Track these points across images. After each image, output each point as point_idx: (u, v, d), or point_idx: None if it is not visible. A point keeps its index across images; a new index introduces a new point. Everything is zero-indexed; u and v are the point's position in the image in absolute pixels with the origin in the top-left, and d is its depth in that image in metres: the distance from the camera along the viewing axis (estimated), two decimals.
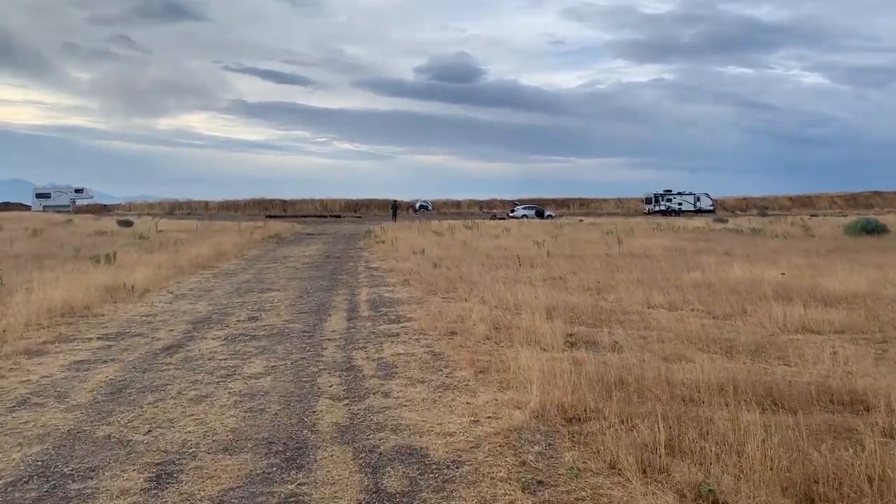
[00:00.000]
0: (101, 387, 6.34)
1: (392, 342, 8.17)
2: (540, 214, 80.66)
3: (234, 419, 5.43)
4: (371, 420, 5.38)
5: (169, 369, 6.99)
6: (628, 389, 5.94)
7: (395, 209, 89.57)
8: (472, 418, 5.42)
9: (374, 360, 7.33)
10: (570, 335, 8.09)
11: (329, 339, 8.37)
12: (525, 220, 73.78)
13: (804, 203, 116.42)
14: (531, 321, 8.73)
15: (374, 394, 6.10)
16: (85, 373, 6.84)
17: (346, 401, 5.91)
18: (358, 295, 12.12)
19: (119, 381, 6.56)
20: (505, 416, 5.42)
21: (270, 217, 78.05)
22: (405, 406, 5.75)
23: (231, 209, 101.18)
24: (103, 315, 10.03)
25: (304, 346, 8.05)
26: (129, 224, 40.40)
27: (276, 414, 5.56)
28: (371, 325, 9.23)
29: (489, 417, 5.45)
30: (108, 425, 5.29)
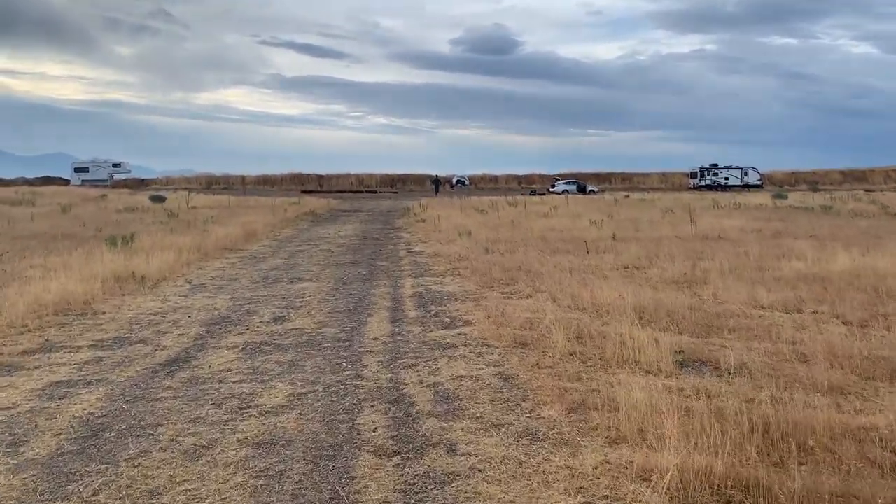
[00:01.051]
0: (72, 427, 4.78)
1: (449, 358, 6.46)
2: (582, 189, 78.12)
3: (240, 493, 3.80)
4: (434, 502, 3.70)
5: (167, 398, 5.40)
6: (798, 447, 4.15)
7: (437, 183, 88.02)
8: (582, 501, 3.70)
9: (428, 385, 5.65)
10: (680, 351, 6.29)
11: (370, 352, 6.71)
12: (567, 195, 71.61)
13: (857, 178, 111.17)
14: (621, 328, 6.97)
15: (434, 446, 4.42)
16: (58, 403, 5.29)
17: (397, 459, 4.24)
18: (401, 287, 10.44)
19: (99, 417, 4.99)
20: (630, 499, 3.69)
21: (306, 192, 76.97)
22: (479, 472, 4.05)
23: (267, 184, 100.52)
24: (104, 313, 8.51)
25: (339, 361, 6.40)
26: (161, 200, 39.39)
27: (299, 484, 3.91)
28: (420, 331, 7.54)
29: (607, 499, 3.72)
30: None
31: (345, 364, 6.29)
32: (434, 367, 6.17)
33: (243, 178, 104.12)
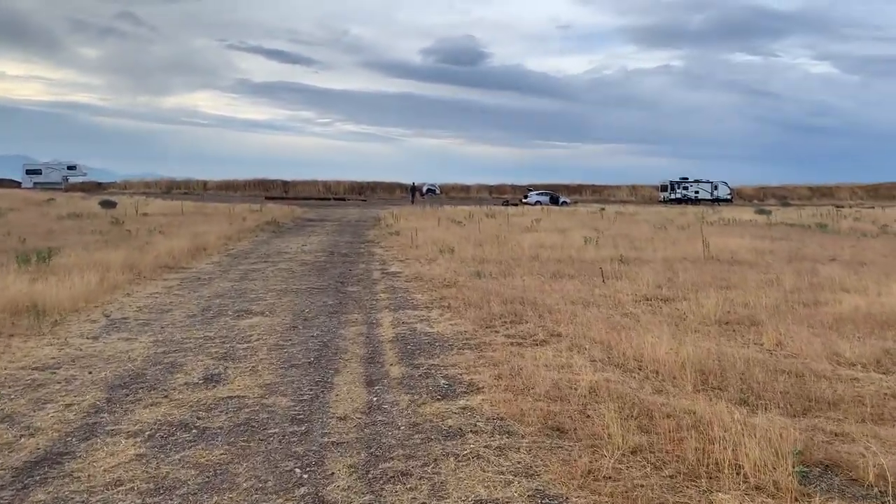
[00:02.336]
0: None
1: (456, 458, 4.34)
2: (555, 201, 76.74)
3: None
4: None
5: None
6: None
7: (413, 192, 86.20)
8: None
9: None
10: (798, 452, 4.25)
11: (337, 445, 4.55)
12: (540, 206, 70.00)
13: (823, 193, 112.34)
14: (687, 401, 4.96)
15: None
16: None
17: None
18: (378, 325, 8.27)
19: None
20: None
21: (270, 199, 74.12)
22: None
23: (230, 189, 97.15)
24: None
25: (289, 465, 4.23)
26: (111, 205, 36.57)
27: None
28: (408, 402, 5.39)
29: None
30: None
31: (298, 472, 4.12)
32: (436, 479, 4.03)
33: (205, 182, 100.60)
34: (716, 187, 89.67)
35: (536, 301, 9.20)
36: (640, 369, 6.14)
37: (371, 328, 8.09)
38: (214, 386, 5.79)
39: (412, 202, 68.42)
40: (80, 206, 38.57)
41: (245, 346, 7.17)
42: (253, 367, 6.36)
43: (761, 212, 39.51)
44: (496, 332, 7.71)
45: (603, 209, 53.28)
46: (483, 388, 5.69)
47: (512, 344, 7.14)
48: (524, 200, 77.13)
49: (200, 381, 5.90)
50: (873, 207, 71.23)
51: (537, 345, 7.08)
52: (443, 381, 5.89)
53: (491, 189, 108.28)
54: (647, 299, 9.66)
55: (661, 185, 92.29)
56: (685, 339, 7.06)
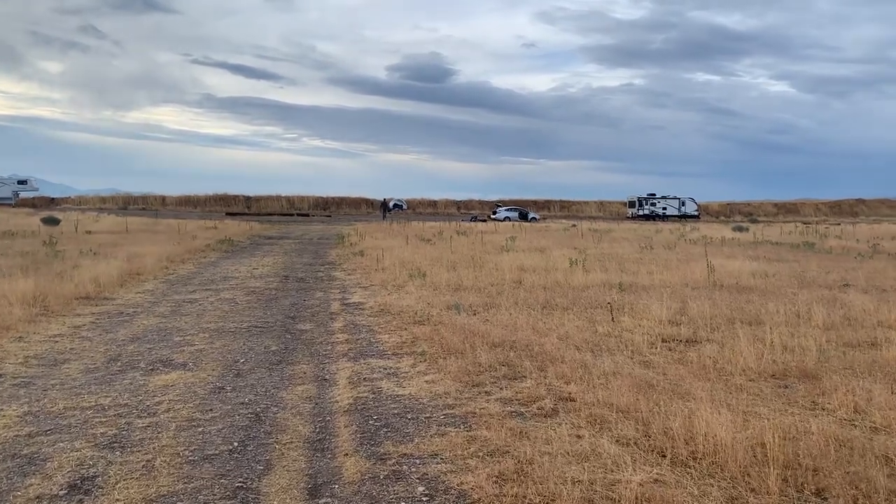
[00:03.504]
0: None
1: None
2: (524, 216, 75.53)
3: None
4: None
5: None
6: None
7: (385, 208, 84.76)
8: None
9: None
10: None
11: None
12: (509, 221, 68.61)
13: (789, 210, 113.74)
14: None
15: None
16: None
17: None
18: (332, 385, 6.38)
19: None
20: None
21: (231, 214, 71.49)
22: None
23: (190, 205, 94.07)
24: None
25: None
26: (54, 222, 33.97)
27: None
28: None
29: None
30: None
31: None
32: None
33: (164, 198, 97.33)
34: (683, 203, 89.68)
35: (532, 345, 7.42)
36: (695, 459, 4.38)
37: (322, 388, 6.20)
38: (80, 500, 3.86)
39: (384, 217, 67.48)
40: (20, 223, 35.89)
41: (147, 421, 5.23)
42: (148, 462, 4.44)
43: (739, 229, 38.46)
44: (487, 394, 5.89)
45: (574, 225, 52.01)
46: (479, 501, 3.86)
47: (511, 415, 5.32)
48: (493, 216, 75.79)
49: (62, 494, 3.97)
50: (839, 224, 71.43)
51: (545, 416, 5.28)
52: (420, 489, 4.04)
53: (459, 204, 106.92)
54: (665, 341, 7.93)
55: (629, 201, 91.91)
56: (736, 403, 5.35)
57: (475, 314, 9.50)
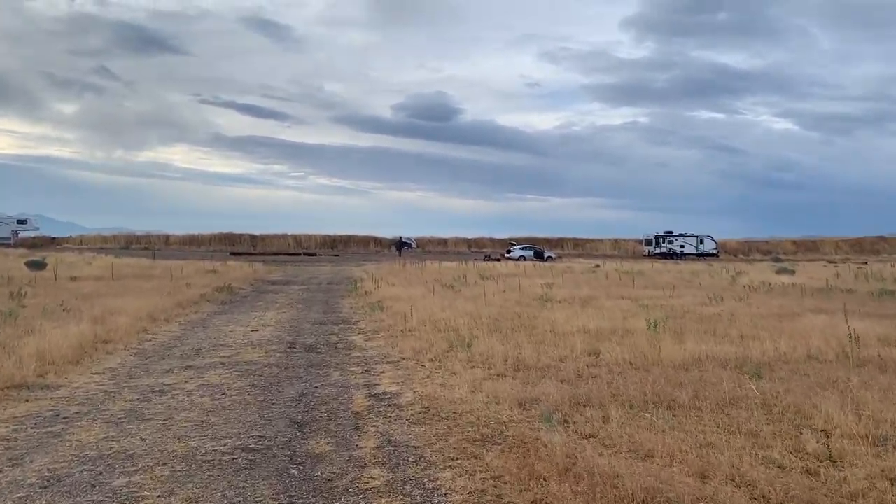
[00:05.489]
0: None
1: None
2: (539, 256, 72.42)
3: None
4: None
5: None
6: None
7: (399, 246, 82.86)
8: None
9: None
10: None
11: None
12: (523, 261, 65.61)
13: (808, 248, 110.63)
14: None
15: None
16: None
17: None
18: None
19: None
20: None
21: (235, 255, 68.74)
22: None
23: (194, 244, 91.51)
24: None
25: None
26: (39, 266, 31.13)
27: None
28: None
29: None
30: None
31: None
32: None
33: (167, 237, 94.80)
34: (701, 241, 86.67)
35: None
36: None
37: None
38: None
39: (399, 255, 70.38)
40: (5, 266, 33.09)
41: None
42: None
43: (783, 271, 35.35)
44: None
45: (598, 266, 48.93)
46: None
47: None
48: (507, 255, 72.74)
49: None
50: (866, 262, 68.32)
51: None
52: None
53: (469, 242, 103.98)
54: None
55: (646, 239, 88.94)
56: None
57: (569, 423, 6.45)
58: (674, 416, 6.68)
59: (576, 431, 6.18)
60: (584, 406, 7.01)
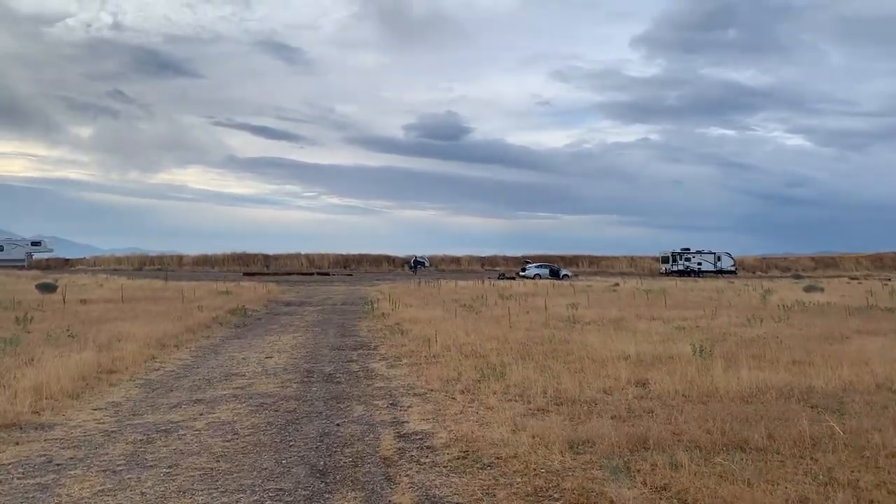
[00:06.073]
0: None
1: None
2: (555, 274, 71.41)
3: None
4: None
5: None
6: None
7: (415, 265, 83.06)
8: None
9: None
10: None
11: None
12: (538, 279, 64.55)
13: (828, 264, 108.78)
14: None
15: None
16: None
17: None
18: None
19: None
20: None
21: (249, 275, 68.21)
22: None
23: (208, 264, 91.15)
24: None
25: None
26: (50, 289, 30.59)
27: None
28: None
29: None
30: None
31: None
32: None
33: (181, 258, 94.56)
34: (719, 258, 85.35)
35: None
36: None
37: None
38: None
39: (415, 273, 75.18)
40: (17, 288, 32.63)
41: None
42: None
43: (811, 288, 34.20)
44: None
45: (617, 284, 47.86)
46: None
47: None
48: (522, 273, 71.79)
49: None
50: (890, 279, 66.73)
51: None
52: None
53: (483, 261, 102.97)
54: None
55: (663, 256, 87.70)
56: None
57: (633, 471, 5.57)
58: (751, 461, 5.79)
59: (644, 483, 5.30)
60: (646, 449, 6.13)
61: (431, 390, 9.26)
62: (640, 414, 7.53)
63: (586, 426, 6.91)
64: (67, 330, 14.87)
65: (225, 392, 9.40)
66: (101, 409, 8.36)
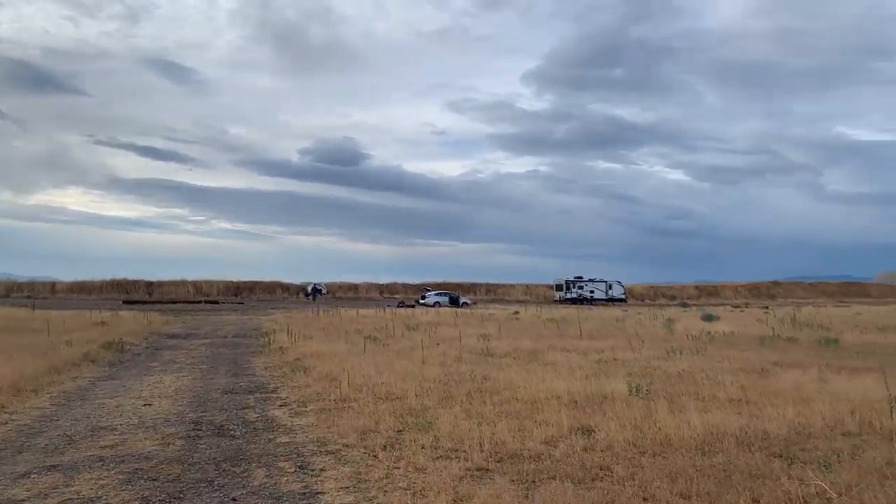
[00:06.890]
0: None
1: None
2: (455, 302, 70.92)
3: None
4: None
5: None
6: None
7: (313, 293, 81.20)
8: None
9: None
10: None
11: None
12: (438, 307, 63.77)
13: (710, 292, 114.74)
14: None
15: None
16: None
17: None
18: None
19: None
20: None
21: (129, 303, 63.42)
22: None
23: (84, 291, 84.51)
24: None
25: None
26: None
27: None
28: None
29: None
30: None
31: None
32: None
33: (53, 284, 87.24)
34: (610, 287, 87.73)
35: None
36: None
37: None
38: None
39: (313, 301, 74.30)
40: None
41: None
42: None
43: (709, 318, 35.03)
44: None
45: (517, 313, 47.69)
46: None
47: None
48: (422, 301, 70.82)
49: None
50: (767, 307, 70.72)
51: None
52: None
53: (381, 288, 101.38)
54: None
55: (557, 284, 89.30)
56: None
57: None
58: None
59: None
60: None
61: (347, 446, 7.86)
62: (597, 473, 6.48)
63: (542, 493, 5.78)
64: None
65: (90, 453, 7.62)
66: None
